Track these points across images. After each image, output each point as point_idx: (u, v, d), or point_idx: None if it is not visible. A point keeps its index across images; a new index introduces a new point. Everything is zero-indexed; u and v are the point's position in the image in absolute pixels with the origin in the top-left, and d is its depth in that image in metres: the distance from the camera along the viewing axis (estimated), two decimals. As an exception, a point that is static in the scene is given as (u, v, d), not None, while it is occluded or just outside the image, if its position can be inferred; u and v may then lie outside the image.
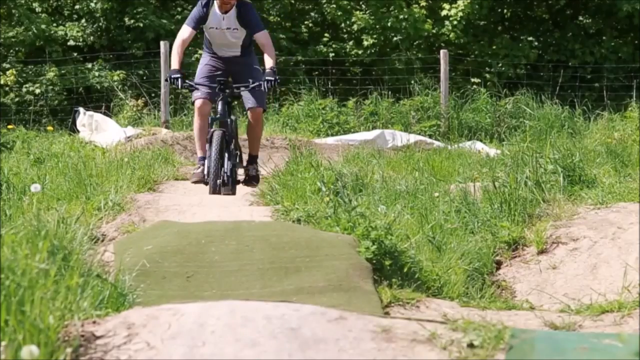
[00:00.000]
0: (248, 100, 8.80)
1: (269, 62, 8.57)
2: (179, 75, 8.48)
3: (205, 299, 4.76)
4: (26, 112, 16.72)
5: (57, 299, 3.89)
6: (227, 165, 8.46)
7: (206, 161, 8.47)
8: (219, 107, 8.64)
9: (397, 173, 9.73)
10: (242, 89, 8.70)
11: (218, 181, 8.28)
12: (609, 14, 18.96)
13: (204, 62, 8.95)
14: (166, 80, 8.45)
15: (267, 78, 8.53)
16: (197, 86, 8.67)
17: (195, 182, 8.62)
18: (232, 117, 8.78)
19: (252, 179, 9.03)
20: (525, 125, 14.95)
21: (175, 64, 8.62)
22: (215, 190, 8.27)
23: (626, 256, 5.72)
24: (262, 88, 8.52)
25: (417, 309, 5.04)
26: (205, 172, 8.45)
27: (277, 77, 8.53)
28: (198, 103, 8.74)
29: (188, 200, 7.71)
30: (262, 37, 8.71)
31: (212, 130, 8.50)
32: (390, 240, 5.53)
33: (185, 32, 8.73)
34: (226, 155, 8.47)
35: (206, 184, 8.45)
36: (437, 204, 7.07)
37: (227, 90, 8.66)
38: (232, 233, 5.53)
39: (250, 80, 8.61)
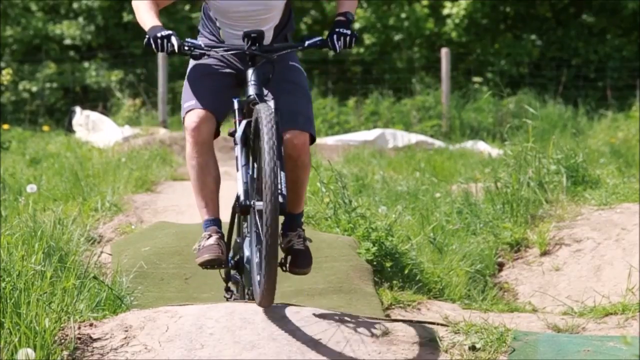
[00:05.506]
0: (284, 113, 4.33)
1: (345, 3, 4.55)
2: (170, 32, 4.37)
3: (204, 300, 4.73)
4: (22, 112, 16.70)
5: (54, 301, 3.88)
6: (282, 178, 4.07)
7: (241, 172, 4.29)
8: (251, 79, 4.33)
9: (398, 173, 9.70)
10: (285, 51, 4.46)
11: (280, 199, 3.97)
12: (613, 12, 18.90)
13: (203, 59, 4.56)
14: (149, 45, 4.36)
15: (339, 30, 4.45)
16: (206, 50, 4.42)
17: (205, 265, 4.29)
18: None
19: (299, 258, 4.45)
20: (527, 124, 14.91)
21: (153, 20, 4.41)
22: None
23: (630, 258, 5.69)
24: (334, 47, 4.42)
25: (418, 311, 5.02)
26: (242, 192, 4.24)
27: (354, 31, 4.47)
28: (192, 120, 4.43)
29: (186, 201, 7.64)
30: None
31: (252, 114, 4.26)
32: (391, 242, 5.50)
33: None
34: (278, 162, 4.03)
35: (224, 264, 4.37)
36: (439, 205, 7.04)
37: (259, 53, 4.36)
38: (231, 234, 5.48)
39: (306, 41, 4.45)
